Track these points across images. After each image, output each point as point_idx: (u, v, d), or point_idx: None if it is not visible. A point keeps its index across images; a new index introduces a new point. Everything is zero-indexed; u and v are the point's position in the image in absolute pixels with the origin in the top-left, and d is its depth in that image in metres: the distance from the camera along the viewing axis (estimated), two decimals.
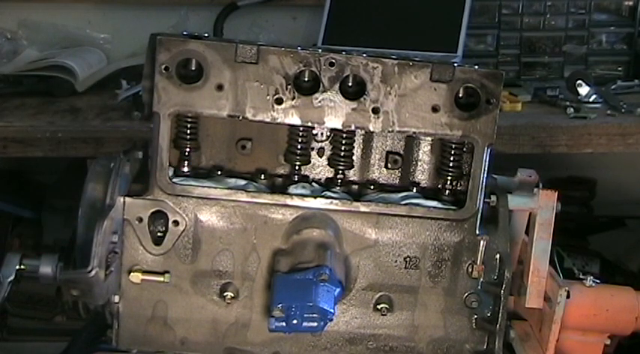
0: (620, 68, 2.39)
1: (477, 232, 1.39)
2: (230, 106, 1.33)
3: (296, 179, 1.43)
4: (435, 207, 1.40)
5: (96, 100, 2.24)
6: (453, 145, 1.40)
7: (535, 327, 1.61)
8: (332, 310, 1.31)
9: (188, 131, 1.40)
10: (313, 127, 1.40)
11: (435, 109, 1.34)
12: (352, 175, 1.46)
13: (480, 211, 1.39)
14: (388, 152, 1.46)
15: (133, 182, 1.40)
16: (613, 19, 2.42)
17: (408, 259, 1.42)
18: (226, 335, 1.44)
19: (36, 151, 2.01)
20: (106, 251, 1.29)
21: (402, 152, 1.46)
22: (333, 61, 1.33)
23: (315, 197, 1.38)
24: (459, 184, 1.43)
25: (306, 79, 1.35)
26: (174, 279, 1.41)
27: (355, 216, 1.40)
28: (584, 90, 2.13)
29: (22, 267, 1.36)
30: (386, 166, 1.46)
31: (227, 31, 2.49)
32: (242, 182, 1.41)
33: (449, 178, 1.42)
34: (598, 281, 1.59)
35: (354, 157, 1.45)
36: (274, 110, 1.34)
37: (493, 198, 1.42)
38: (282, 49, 1.33)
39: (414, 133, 1.36)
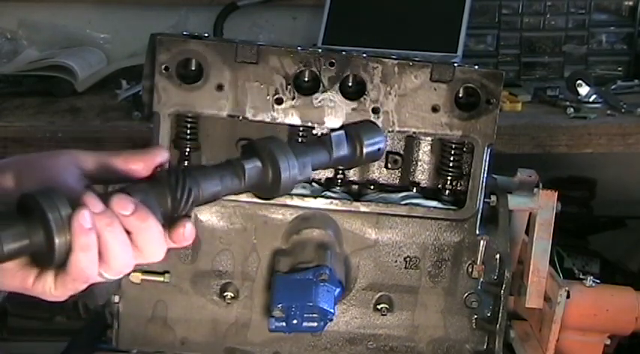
0: (620, 68, 2.39)
1: (477, 232, 1.39)
2: (230, 106, 1.33)
3: None
4: (435, 207, 1.40)
5: (96, 100, 2.24)
6: (453, 145, 1.40)
7: (535, 327, 1.61)
8: (332, 310, 1.31)
9: (188, 131, 1.40)
10: (313, 127, 1.39)
11: (435, 109, 1.34)
12: (352, 175, 1.46)
13: (480, 211, 1.39)
14: (388, 152, 1.46)
15: None
16: (613, 19, 2.41)
17: (408, 259, 1.42)
18: (226, 335, 1.44)
19: (36, 151, 2.00)
20: None
21: (402, 152, 1.46)
22: (333, 61, 1.33)
23: (315, 197, 1.38)
24: (459, 184, 1.43)
25: (306, 79, 1.35)
26: (174, 279, 1.41)
27: (355, 216, 1.40)
28: (584, 90, 2.13)
29: None
30: (386, 166, 1.46)
31: (227, 31, 2.48)
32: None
33: (449, 178, 1.42)
34: (598, 281, 1.59)
35: None
36: (274, 110, 1.34)
37: (493, 198, 1.42)
38: (282, 49, 1.33)
39: (414, 133, 1.36)
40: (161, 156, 0.88)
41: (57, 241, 0.75)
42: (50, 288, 0.79)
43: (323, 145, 1.00)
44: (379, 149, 1.06)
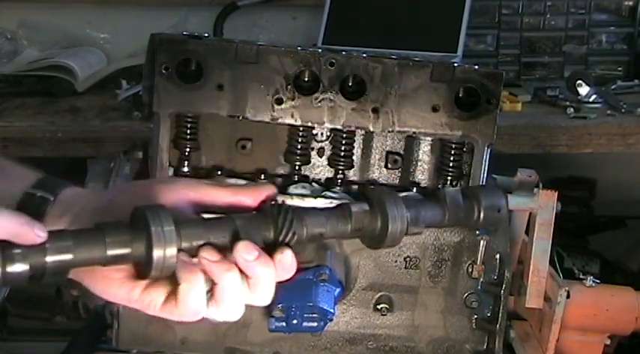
0: (620, 68, 2.39)
1: (477, 232, 1.39)
2: (230, 106, 1.33)
3: (296, 179, 1.43)
4: None
5: (96, 100, 2.24)
6: (453, 145, 1.40)
7: (535, 327, 1.62)
8: (332, 310, 1.31)
9: (188, 131, 1.39)
10: (313, 127, 1.39)
11: (435, 109, 1.34)
12: (352, 175, 1.46)
13: None
14: (388, 152, 1.46)
15: None
16: (613, 19, 2.42)
17: (408, 259, 1.42)
18: (226, 335, 1.44)
19: (36, 151, 2.01)
20: None
21: (402, 152, 1.46)
22: (333, 61, 1.33)
23: (315, 197, 1.38)
24: (458, 184, 1.43)
25: (306, 79, 1.35)
26: None
27: None
28: (584, 90, 2.13)
29: None
30: (386, 166, 1.46)
31: (227, 31, 2.49)
32: (242, 182, 1.41)
33: (449, 178, 1.42)
34: (598, 281, 1.60)
35: (354, 157, 1.44)
36: (274, 110, 1.34)
37: None
38: (282, 49, 1.33)
39: (414, 133, 1.36)
40: (269, 190, 0.90)
41: (155, 253, 0.78)
42: (155, 306, 0.83)
43: (437, 202, 0.96)
44: (499, 211, 0.98)
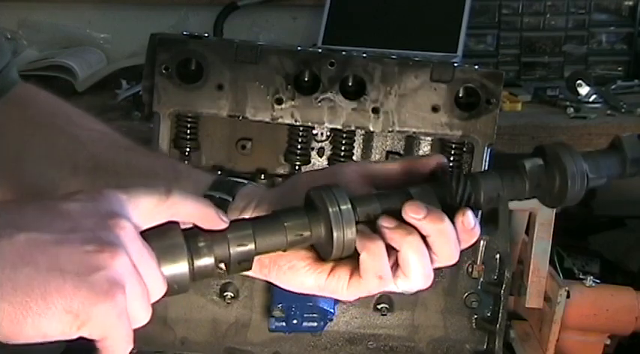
0: (620, 68, 2.38)
1: None
2: (230, 106, 1.34)
3: None
4: None
5: (96, 100, 2.23)
6: (453, 145, 1.40)
7: (535, 327, 1.62)
8: (332, 310, 1.31)
9: (188, 131, 1.40)
10: (313, 127, 1.40)
11: (435, 109, 1.34)
12: None
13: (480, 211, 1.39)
14: (388, 152, 1.46)
15: None
16: (613, 19, 2.41)
17: None
18: (226, 335, 1.44)
19: None
20: None
21: (402, 152, 1.46)
22: (333, 61, 1.33)
23: None
24: None
25: (306, 79, 1.35)
26: None
27: None
28: (584, 90, 2.12)
29: None
30: None
31: (227, 31, 2.48)
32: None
33: None
34: (598, 281, 1.60)
35: (354, 157, 1.45)
36: (274, 110, 1.34)
37: None
38: (282, 49, 1.33)
39: (414, 133, 1.36)
40: (439, 159, 0.87)
41: (335, 232, 0.77)
42: (343, 287, 0.81)
43: (615, 151, 0.90)
44: None
